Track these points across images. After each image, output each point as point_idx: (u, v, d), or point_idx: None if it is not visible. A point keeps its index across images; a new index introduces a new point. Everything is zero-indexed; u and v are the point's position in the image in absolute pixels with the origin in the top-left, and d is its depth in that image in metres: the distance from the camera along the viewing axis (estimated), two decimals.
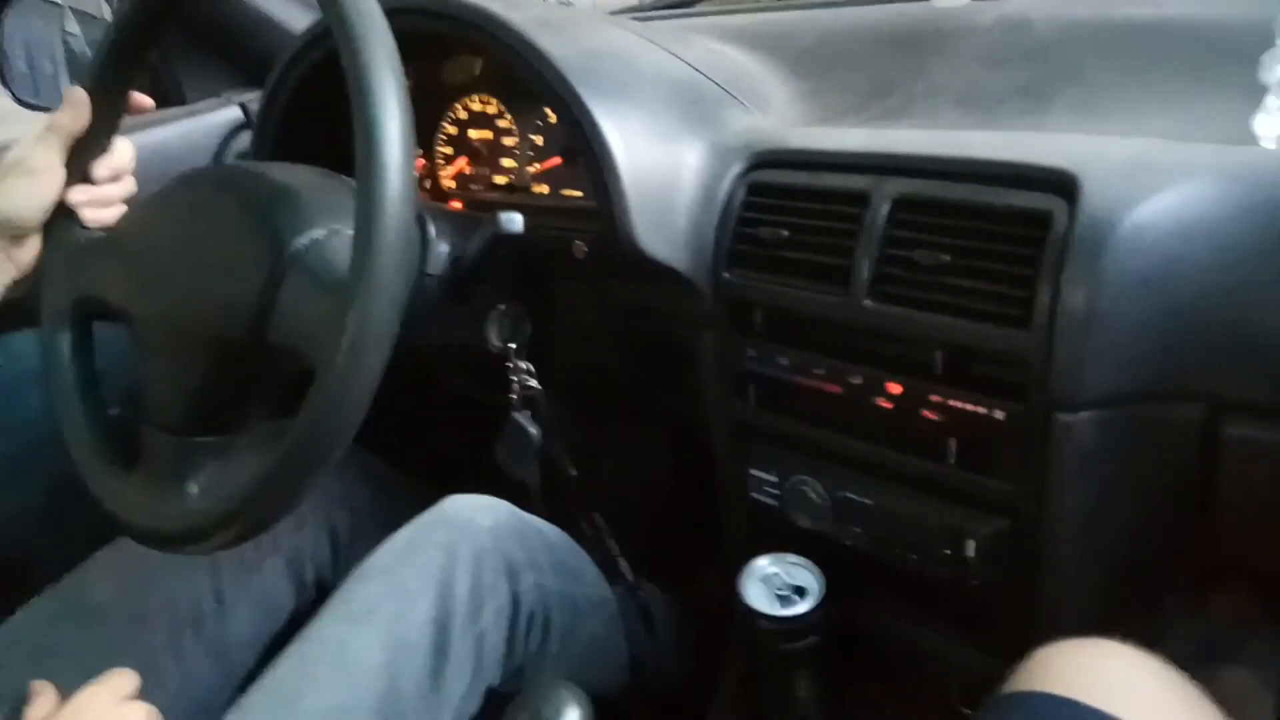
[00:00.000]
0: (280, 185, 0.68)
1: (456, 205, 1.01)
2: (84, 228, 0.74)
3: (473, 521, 0.78)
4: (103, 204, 0.75)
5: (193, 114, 1.09)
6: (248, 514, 0.59)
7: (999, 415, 0.64)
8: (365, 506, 0.93)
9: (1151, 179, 0.59)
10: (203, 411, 0.67)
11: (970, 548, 0.69)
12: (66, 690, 0.64)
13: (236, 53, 1.13)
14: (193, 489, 0.67)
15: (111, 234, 0.73)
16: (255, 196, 0.67)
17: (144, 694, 0.67)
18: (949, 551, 0.70)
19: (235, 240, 0.64)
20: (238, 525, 0.60)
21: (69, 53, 1.40)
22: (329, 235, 0.65)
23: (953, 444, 0.67)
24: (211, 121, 1.09)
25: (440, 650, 0.71)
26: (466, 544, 0.75)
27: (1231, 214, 0.58)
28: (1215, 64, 0.72)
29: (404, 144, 0.54)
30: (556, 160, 0.93)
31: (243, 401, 0.69)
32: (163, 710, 0.68)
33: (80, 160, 0.73)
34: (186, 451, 0.67)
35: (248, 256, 0.63)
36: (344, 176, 0.71)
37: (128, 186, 0.78)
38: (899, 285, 0.67)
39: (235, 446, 0.68)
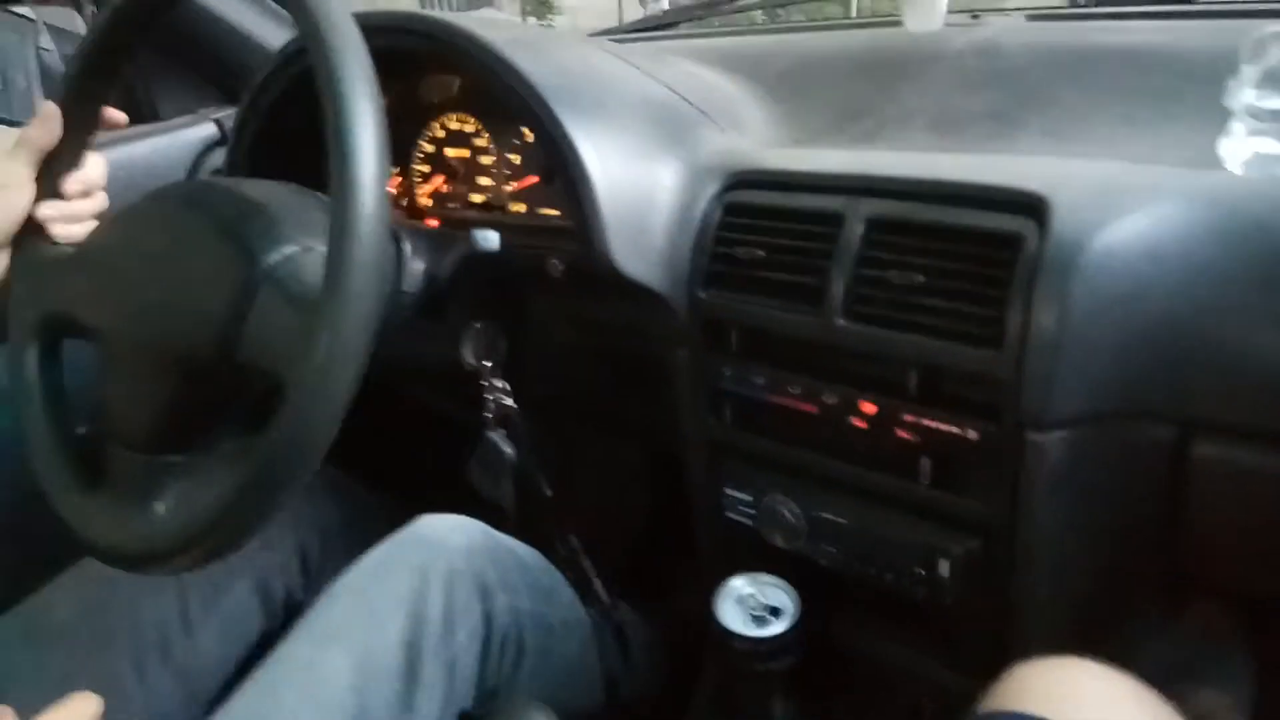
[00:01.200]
0: (253, 201, 0.67)
1: (433, 223, 1.01)
2: (53, 243, 0.73)
3: (445, 542, 0.77)
4: (73, 219, 0.75)
5: (167, 130, 1.08)
6: (215, 534, 0.58)
7: (972, 435, 0.64)
8: (336, 527, 0.92)
9: (1121, 201, 0.60)
10: (170, 429, 0.66)
11: (944, 567, 0.69)
12: (25, 714, 0.63)
13: (212, 69, 1.13)
14: (160, 508, 0.66)
15: (81, 250, 0.72)
16: (227, 212, 0.66)
17: (107, 717, 0.66)
18: (923, 571, 0.70)
19: (206, 256, 0.64)
20: (205, 545, 0.59)
21: (42, 67, 1.39)
22: (302, 252, 0.64)
23: (926, 463, 0.68)
24: (186, 138, 1.08)
25: (411, 672, 0.70)
26: (439, 564, 0.74)
27: (1199, 236, 0.58)
28: (1181, 90, 0.73)
29: (378, 161, 0.54)
30: (533, 179, 0.93)
31: (211, 419, 0.68)
32: None
33: (51, 175, 0.72)
34: (154, 470, 0.66)
35: (218, 272, 0.62)
36: (318, 194, 0.71)
37: (99, 202, 0.77)
38: (873, 305, 0.67)
39: (204, 465, 0.67)
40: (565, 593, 0.86)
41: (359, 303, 0.53)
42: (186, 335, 0.63)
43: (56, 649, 0.74)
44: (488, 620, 0.75)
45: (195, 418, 0.67)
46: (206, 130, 1.10)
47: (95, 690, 0.68)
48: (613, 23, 1.31)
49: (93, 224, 0.76)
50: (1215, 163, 0.65)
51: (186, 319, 0.63)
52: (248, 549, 0.84)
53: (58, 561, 0.81)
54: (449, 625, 0.73)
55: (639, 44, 1.10)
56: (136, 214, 0.70)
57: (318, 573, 0.89)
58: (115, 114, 0.77)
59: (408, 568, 0.74)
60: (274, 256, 0.63)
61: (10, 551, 0.94)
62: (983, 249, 0.62)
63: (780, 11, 1.34)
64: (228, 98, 1.14)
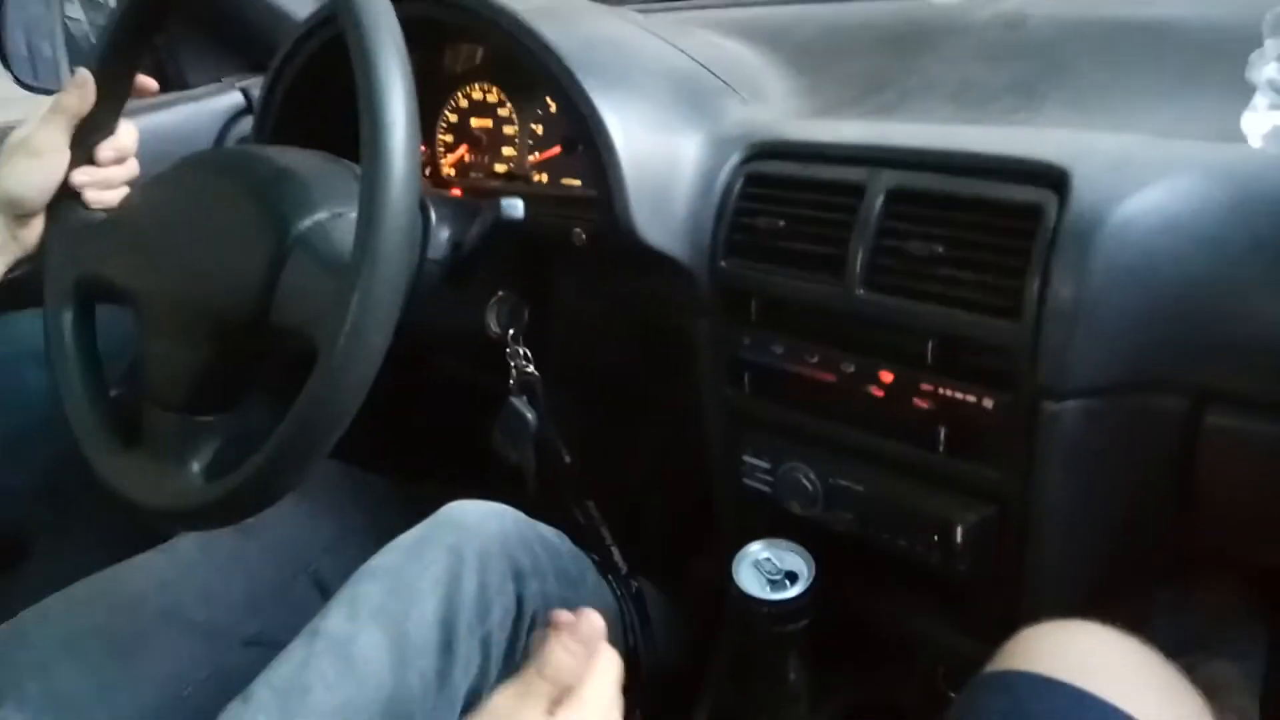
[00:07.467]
0: (284, 168, 0.68)
1: (456, 193, 1.02)
2: (87, 209, 0.75)
3: (480, 526, 0.78)
4: (106, 185, 0.76)
5: (194, 99, 1.09)
6: (249, 493, 0.60)
7: (988, 404, 0.65)
8: (381, 527, 0.93)
9: (1141, 174, 0.60)
10: (205, 390, 0.68)
11: (958, 534, 0.70)
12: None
13: (239, 38, 1.14)
14: (195, 466, 0.67)
15: (114, 215, 0.74)
16: (259, 179, 0.67)
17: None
18: (937, 537, 0.71)
19: (239, 221, 0.65)
20: (238, 503, 0.61)
21: (69, 37, 1.40)
22: (333, 218, 0.65)
23: (942, 432, 0.69)
24: (213, 106, 1.10)
25: (447, 649, 0.71)
26: (472, 547, 0.75)
27: (1217, 209, 0.59)
28: (1205, 63, 0.73)
29: (409, 128, 0.55)
30: (556, 149, 0.94)
31: (245, 381, 0.69)
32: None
33: (85, 142, 0.74)
34: (189, 430, 0.68)
35: (252, 237, 0.64)
36: (347, 161, 0.72)
37: (131, 169, 0.79)
38: (892, 275, 0.68)
39: (238, 425, 0.68)
40: (591, 577, 0.87)
41: (389, 267, 0.54)
42: (220, 299, 0.65)
43: (126, 615, 0.77)
44: (520, 602, 0.76)
45: (229, 379, 0.69)
46: (233, 99, 1.11)
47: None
48: None
49: (125, 190, 0.77)
50: (1238, 136, 0.65)
51: (220, 283, 0.65)
52: (311, 551, 0.87)
53: (92, 520, 0.84)
54: (483, 605, 0.74)
55: (663, 14, 1.10)
56: (169, 180, 0.72)
57: None
58: (147, 81, 0.78)
59: (442, 548, 0.75)
60: (306, 221, 0.64)
61: (46, 511, 0.97)
62: (1002, 220, 0.63)
63: None
64: (253, 66, 1.15)
